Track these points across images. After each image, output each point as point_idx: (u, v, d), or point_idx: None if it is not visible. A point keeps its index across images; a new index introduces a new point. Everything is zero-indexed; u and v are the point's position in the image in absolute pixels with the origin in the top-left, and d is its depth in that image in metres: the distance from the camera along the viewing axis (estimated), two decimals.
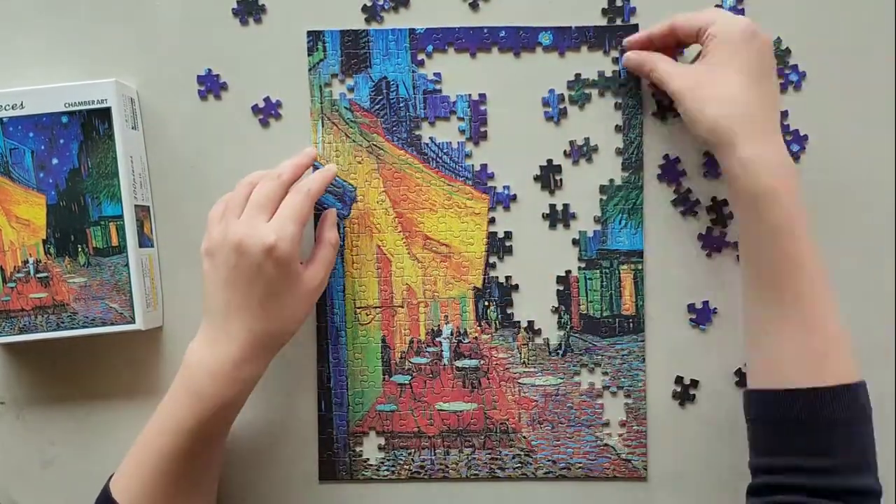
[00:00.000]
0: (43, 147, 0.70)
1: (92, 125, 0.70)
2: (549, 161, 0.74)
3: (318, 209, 0.73)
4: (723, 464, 0.73)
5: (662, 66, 0.69)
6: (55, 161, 0.70)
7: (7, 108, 0.69)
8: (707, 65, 0.66)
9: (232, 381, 0.63)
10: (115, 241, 0.70)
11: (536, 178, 0.74)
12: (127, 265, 0.70)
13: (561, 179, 0.74)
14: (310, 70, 0.74)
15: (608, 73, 0.73)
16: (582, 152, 0.73)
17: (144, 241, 0.72)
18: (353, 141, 0.74)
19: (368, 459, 0.74)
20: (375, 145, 0.74)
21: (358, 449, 0.74)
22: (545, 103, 0.74)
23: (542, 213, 0.74)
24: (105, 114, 0.70)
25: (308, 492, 0.74)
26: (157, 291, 0.74)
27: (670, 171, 0.73)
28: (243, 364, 0.63)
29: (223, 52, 0.74)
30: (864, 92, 0.72)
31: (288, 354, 0.73)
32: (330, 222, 0.70)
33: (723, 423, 0.73)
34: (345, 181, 0.74)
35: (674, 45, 0.71)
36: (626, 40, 0.72)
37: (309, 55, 0.74)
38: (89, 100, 0.70)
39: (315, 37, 0.74)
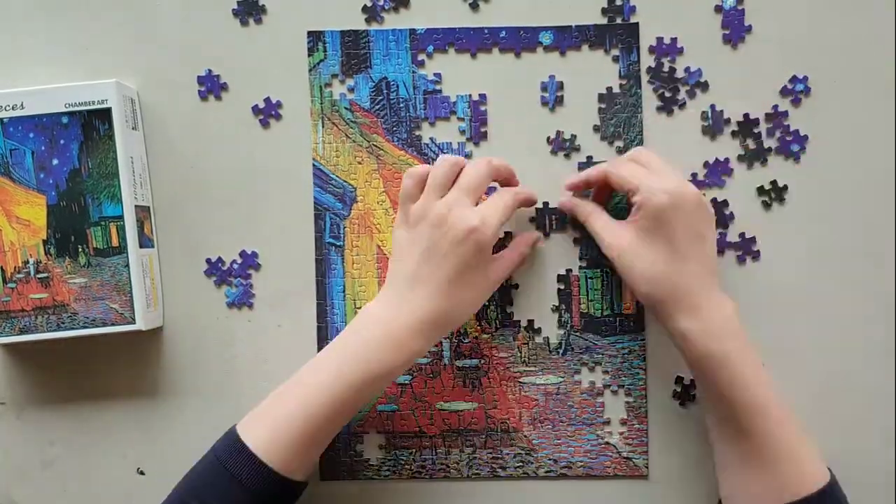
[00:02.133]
0: (43, 147, 0.70)
1: (92, 125, 0.70)
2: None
3: (320, 209, 0.74)
4: None
5: (595, 222, 0.70)
6: (55, 161, 0.70)
7: (7, 108, 0.69)
8: (636, 230, 0.66)
9: (399, 350, 0.64)
10: (115, 242, 0.70)
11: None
12: (127, 265, 0.70)
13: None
14: (310, 70, 0.74)
15: (607, 71, 0.74)
16: (563, 147, 0.74)
17: (145, 241, 0.72)
18: (354, 141, 0.74)
19: (369, 459, 0.74)
20: (375, 145, 0.74)
21: (359, 448, 0.74)
22: (543, 88, 0.74)
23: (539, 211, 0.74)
24: (105, 114, 0.70)
25: (309, 491, 0.74)
26: (158, 291, 0.74)
27: None
28: (416, 336, 0.64)
29: (223, 52, 0.74)
30: (864, 92, 0.73)
31: (289, 353, 0.73)
32: (528, 240, 0.72)
33: None
34: (345, 181, 0.74)
35: (610, 191, 0.72)
36: (566, 183, 0.72)
37: (309, 55, 0.74)
38: (90, 100, 0.69)
39: (315, 37, 0.74)
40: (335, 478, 0.74)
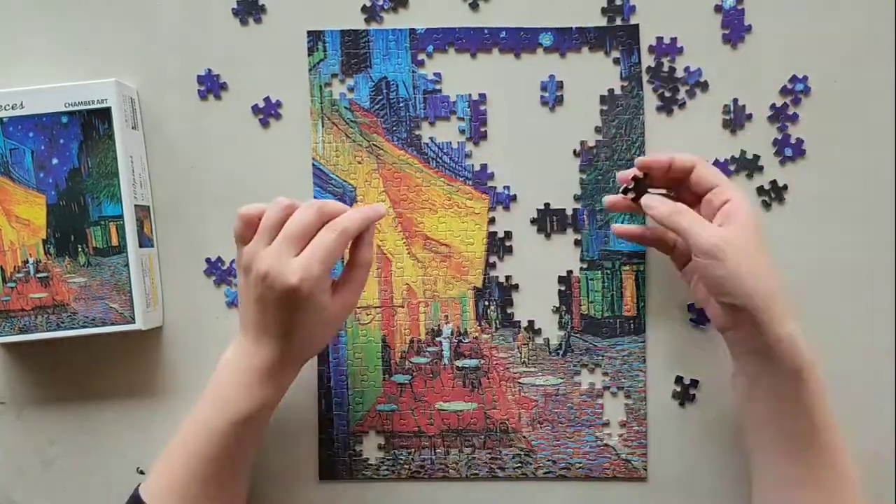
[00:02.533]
0: (43, 147, 0.70)
1: (92, 125, 0.70)
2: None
3: None
4: (722, 464, 0.73)
5: (685, 219, 0.64)
6: (55, 161, 0.70)
7: (7, 108, 0.69)
8: (735, 233, 0.63)
9: (259, 391, 0.63)
10: (115, 241, 0.70)
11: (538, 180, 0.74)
12: (127, 265, 0.70)
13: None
14: (310, 70, 0.74)
15: (607, 73, 0.73)
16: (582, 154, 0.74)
17: (144, 241, 0.72)
18: (353, 141, 0.74)
19: (368, 459, 0.74)
20: (375, 145, 0.74)
21: (358, 448, 0.74)
22: (543, 88, 0.74)
23: (541, 212, 0.74)
24: (105, 114, 0.70)
25: (308, 491, 0.74)
26: (157, 291, 0.74)
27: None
28: (270, 377, 0.64)
29: (223, 52, 0.74)
30: (864, 92, 0.72)
31: None
32: (366, 241, 0.67)
33: (722, 423, 0.73)
34: (345, 181, 0.74)
35: (674, 181, 0.69)
36: (639, 161, 0.68)
37: (309, 55, 0.74)
38: (89, 100, 0.70)
39: (315, 37, 0.74)
40: (334, 477, 0.74)
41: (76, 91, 0.70)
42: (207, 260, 0.75)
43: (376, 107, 0.74)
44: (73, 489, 0.75)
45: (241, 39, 0.74)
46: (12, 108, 0.69)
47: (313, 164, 0.74)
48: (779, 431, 0.63)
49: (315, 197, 0.74)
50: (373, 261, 0.70)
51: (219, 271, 0.75)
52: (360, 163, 0.74)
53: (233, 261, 0.74)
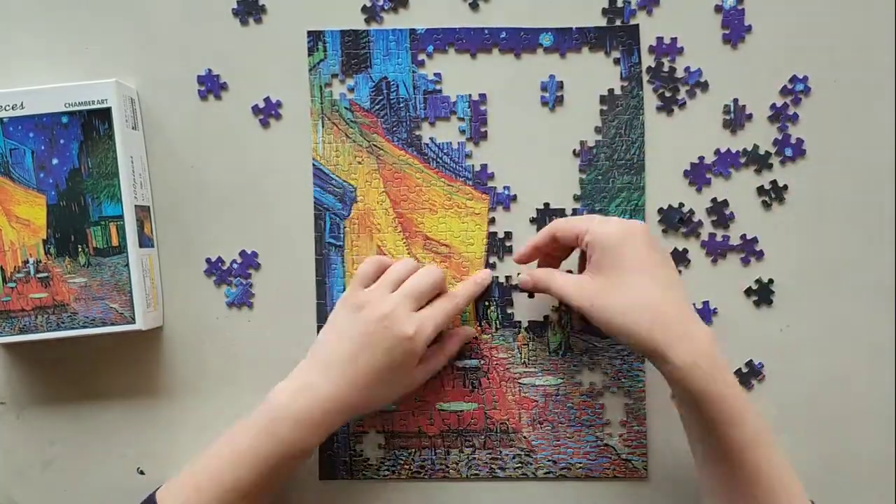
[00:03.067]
0: (43, 147, 0.70)
1: (92, 125, 0.70)
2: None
3: (320, 209, 0.74)
4: None
5: (558, 283, 0.67)
6: (55, 161, 0.70)
7: (7, 108, 0.69)
8: (597, 273, 0.63)
9: (315, 429, 0.64)
10: (115, 241, 0.70)
11: (538, 181, 0.74)
12: (127, 265, 0.70)
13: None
14: (310, 70, 0.74)
15: (607, 73, 0.73)
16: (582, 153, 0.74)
17: (144, 241, 0.72)
18: (353, 141, 0.74)
19: (368, 459, 0.74)
20: (375, 145, 0.74)
21: (358, 448, 0.74)
22: (543, 88, 0.74)
23: (541, 212, 0.74)
24: (105, 114, 0.70)
25: (308, 491, 0.74)
26: (157, 291, 0.74)
27: (672, 171, 0.73)
28: (330, 415, 0.65)
29: (223, 52, 0.74)
30: (864, 92, 0.72)
31: (289, 353, 0.73)
32: (460, 338, 0.73)
33: None
34: (345, 181, 0.74)
35: (560, 250, 0.71)
36: (514, 257, 0.72)
37: (309, 55, 0.74)
38: (89, 100, 0.69)
39: (315, 37, 0.74)
40: (333, 477, 0.74)
41: (76, 91, 0.70)
42: (207, 260, 0.75)
43: (376, 107, 0.74)
44: (73, 489, 0.75)
45: (241, 39, 0.74)
46: (12, 108, 0.69)
47: (313, 164, 0.74)
48: (700, 449, 0.63)
49: (315, 196, 0.74)
50: (454, 356, 0.73)
51: (219, 271, 0.75)
52: (360, 163, 0.74)
53: (233, 261, 0.74)
